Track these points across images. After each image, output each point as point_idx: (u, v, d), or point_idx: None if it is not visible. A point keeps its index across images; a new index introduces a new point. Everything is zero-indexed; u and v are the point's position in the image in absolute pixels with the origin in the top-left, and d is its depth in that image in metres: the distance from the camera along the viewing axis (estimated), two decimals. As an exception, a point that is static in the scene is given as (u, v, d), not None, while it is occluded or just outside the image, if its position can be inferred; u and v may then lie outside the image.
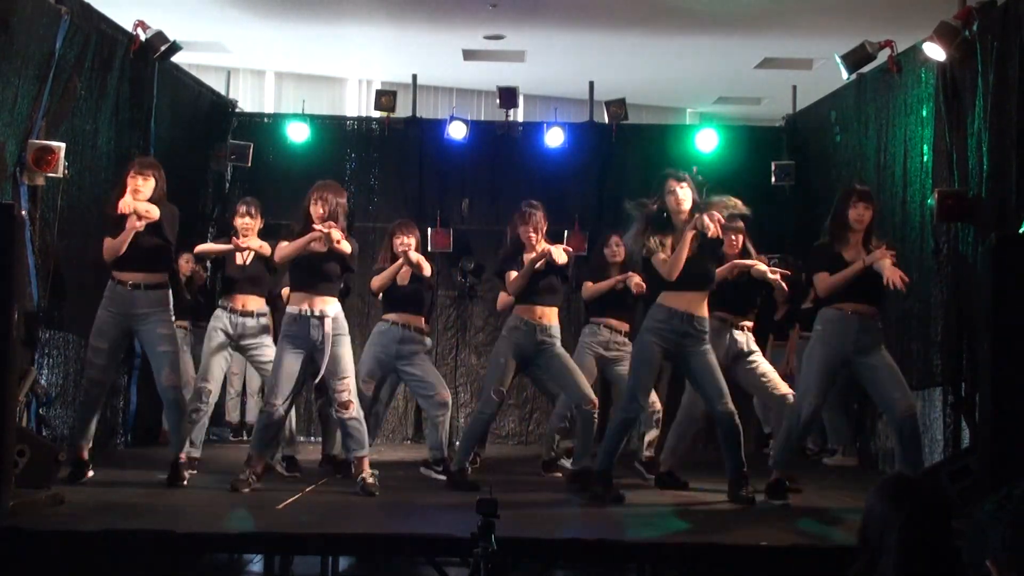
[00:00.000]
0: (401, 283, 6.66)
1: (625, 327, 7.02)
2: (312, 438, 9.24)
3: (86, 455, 6.02)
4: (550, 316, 6.29)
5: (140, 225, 5.79)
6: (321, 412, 7.26)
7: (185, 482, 5.91)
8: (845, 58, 7.79)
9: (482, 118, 11.44)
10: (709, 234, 5.52)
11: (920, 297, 7.06)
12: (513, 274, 6.28)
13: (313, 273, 5.87)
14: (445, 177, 9.76)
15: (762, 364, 6.41)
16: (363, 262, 9.48)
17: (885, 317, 7.44)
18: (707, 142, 9.58)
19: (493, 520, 3.35)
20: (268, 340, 6.60)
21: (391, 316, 6.68)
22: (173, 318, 6.11)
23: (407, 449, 8.93)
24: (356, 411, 5.91)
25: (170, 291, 6.11)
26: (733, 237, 6.66)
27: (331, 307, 5.89)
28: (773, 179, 9.33)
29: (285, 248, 5.92)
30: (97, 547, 4.39)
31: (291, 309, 5.91)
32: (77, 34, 6.70)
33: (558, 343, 6.31)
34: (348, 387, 5.88)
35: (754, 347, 6.44)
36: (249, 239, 6.55)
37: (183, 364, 6.76)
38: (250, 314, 6.58)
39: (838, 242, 5.68)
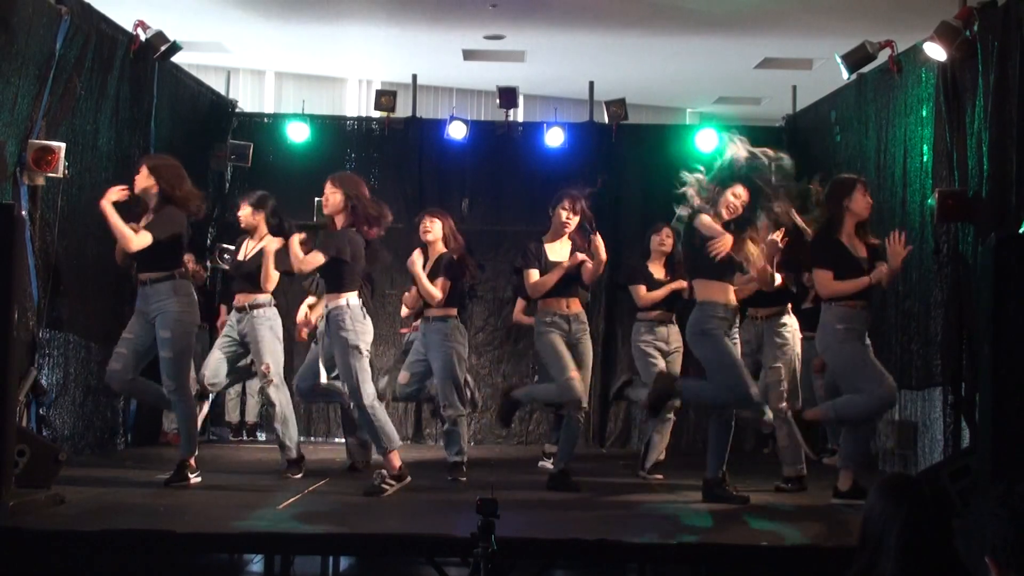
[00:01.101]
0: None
1: (671, 316, 7.02)
2: (312, 438, 9.25)
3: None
4: (576, 304, 6.28)
5: (106, 205, 5.81)
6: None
7: (188, 484, 5.91)
8: (845, 58, 7.79)
9: (482, 118, 11.44)
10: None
11: (920, 297, 7.06)
12: (534, 273, 6.20)
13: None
14: (445, 177, 9.77)
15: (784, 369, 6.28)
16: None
17: (885, 317, 7.47)
18: (707, 142, 9.57)
19: (493, 520, 3.35)
20: (260, 334, 6.53)
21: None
22: (184, 311, 5.97)
23: (407, 449, 8.92)
24: (376, 408, 5.85)
25: (180, 282, 5.98)
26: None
27: (334, 303, 5.88)
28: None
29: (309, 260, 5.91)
30: (97, 547, 4.39)
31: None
32: (77, 34, 6.70)
33: (586, 332, 6.29)
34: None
35: (783, 340, 6.30)
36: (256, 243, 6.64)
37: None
38: (242, 308, 6.58)
39: (837, 228, 5.63)
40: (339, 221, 5.89)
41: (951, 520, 2.48)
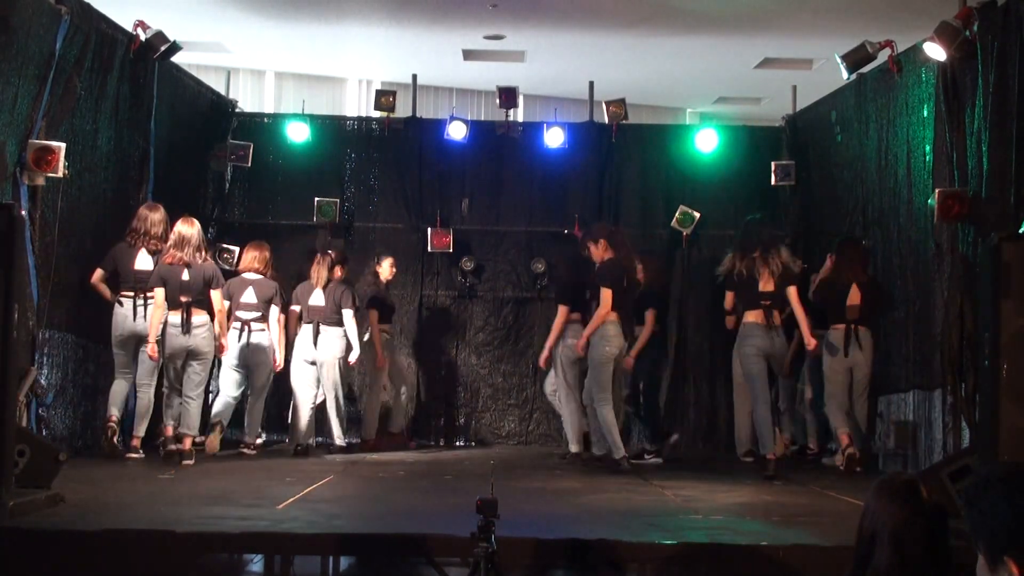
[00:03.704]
0: None
1: None
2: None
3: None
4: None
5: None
6: None
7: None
8: (845, 58, 7.78)
9: (482, 118, 11.44)
10: None
11: (921, 297, 7.06)
12: None
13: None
14: (445, 177, 9.76)
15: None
16: (362, 261, 9.50)
17: (889, 318, 7.53)
18: (707, 142, 9.57)
19: (493, 520, 3.36)
20: None
21: None
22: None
23: (407, 448, 8.92)
24: None
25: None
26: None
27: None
28: (773, 179, 9.32)
29: None
30: (97, 547, 4.39)
31: None
32: (77, 34, 6.70)
33: None
34: None
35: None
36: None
37: None
38: None
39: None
40: None
41: (946, 518, 2.49)
